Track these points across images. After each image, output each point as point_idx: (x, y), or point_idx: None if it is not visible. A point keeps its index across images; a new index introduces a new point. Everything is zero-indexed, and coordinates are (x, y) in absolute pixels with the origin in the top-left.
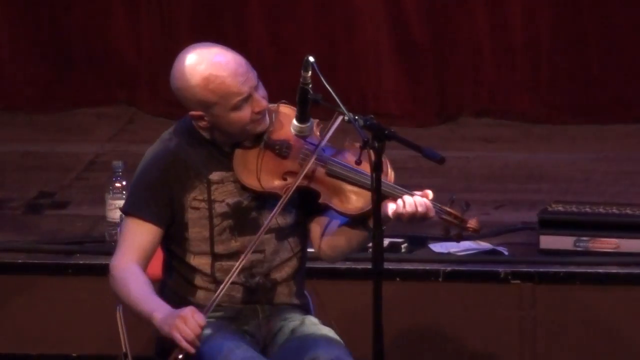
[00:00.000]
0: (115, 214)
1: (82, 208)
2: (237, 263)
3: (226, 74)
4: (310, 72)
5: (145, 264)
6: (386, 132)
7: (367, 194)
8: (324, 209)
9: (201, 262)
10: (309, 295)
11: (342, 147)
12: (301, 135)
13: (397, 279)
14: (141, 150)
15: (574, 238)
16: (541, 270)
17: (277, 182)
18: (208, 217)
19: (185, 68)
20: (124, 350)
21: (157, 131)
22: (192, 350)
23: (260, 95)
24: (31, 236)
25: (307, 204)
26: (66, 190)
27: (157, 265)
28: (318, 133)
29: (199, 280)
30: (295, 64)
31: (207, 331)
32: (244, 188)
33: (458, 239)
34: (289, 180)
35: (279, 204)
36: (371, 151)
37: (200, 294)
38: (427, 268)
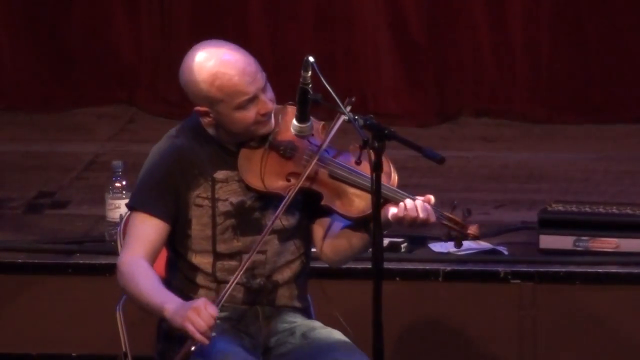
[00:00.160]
0: (115, 214)
1: (82, 208)
2: (243, 262)
3: (233, 72)
4: (310, 72)
5: (152, 259)
6: (386, 131)
7: (370, 197)
8: (326, 212)
9: (202, 261)
10: (311, 299)
11: (346, 149)
12: (301, 135)
13: (397, 278)
14: (141, 150)
15: (573, 238)
16: (541, 270)
17: (281, 183)
18: (211, 215)
19: (194, 63)
20: (124, 350)
21: (157, 131)
22: (206, 341)
23: (267, 97)
24: (31, 236)
25: (311, 206)
26: (66, 190)
27: (160, 264)
28: (323, 136)
29: (200, 279)
30: (295, 64)
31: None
32: (248, 188)
33: (458, 245)
34: (293, 181)
35: (281, 205)
36: (371, 151)
37: (202, 293)
38: (427, 268)
